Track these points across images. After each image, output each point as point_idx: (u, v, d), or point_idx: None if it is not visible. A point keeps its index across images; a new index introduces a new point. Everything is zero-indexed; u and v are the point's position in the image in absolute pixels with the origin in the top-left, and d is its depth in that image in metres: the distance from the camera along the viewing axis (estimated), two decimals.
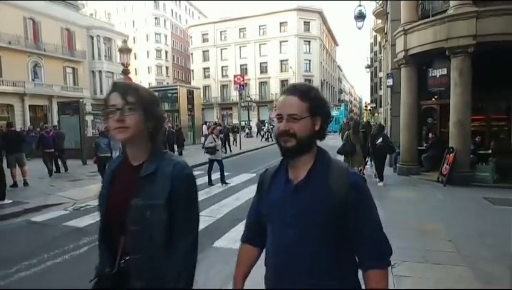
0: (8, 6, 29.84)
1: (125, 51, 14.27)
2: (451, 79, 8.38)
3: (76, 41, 37.04)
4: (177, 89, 22.61)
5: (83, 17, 39.62)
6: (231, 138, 21.47)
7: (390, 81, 11.48)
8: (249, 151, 19.59)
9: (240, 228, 5.50)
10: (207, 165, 14.15)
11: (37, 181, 10.08)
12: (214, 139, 9.42)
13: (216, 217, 6.31)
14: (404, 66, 9.85)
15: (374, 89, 59.81)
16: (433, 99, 10.91)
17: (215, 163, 9.67)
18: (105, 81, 39.87)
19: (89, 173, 11.40)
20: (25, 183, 9.51)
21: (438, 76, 9.41)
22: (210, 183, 9.55)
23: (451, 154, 8.37)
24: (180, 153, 17.11)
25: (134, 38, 65.32)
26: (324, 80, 57.87)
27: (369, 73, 65.46)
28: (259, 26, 54.40)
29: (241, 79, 19.61)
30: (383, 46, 20.69)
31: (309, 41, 53.07)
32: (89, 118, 37.98)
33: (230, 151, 18.43)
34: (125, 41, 14.54)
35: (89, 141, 12.77)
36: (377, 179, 8.98)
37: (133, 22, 65.66)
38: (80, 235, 5.37)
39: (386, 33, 16.41)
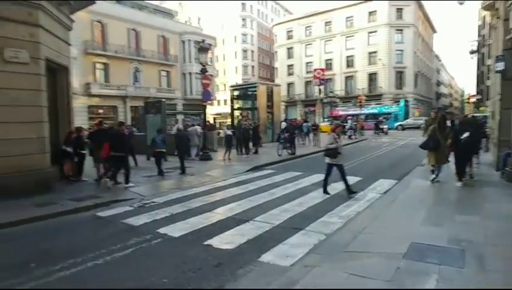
0: (116, 20, 33.76)
1: (203, 50, 14.52)
2: None
3: (170, 46, 40.10)
4: (256, 86, 22.49)
5: (176, 24, 42.63)
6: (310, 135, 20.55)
7: (500, 65, 9.29)
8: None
9: (294, 240, 4.80)
10: (280, 164, 13.98)
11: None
12: (335, 139, 7.68)
13: (273, 223, 5.66)
14: None
15: (481, 78, 52.09)
16: None
17: (334, 168, 7.81)
18: (195, 82, 42.29)
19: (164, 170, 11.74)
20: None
21: None
22: (326, 191, 7.82)
23: None
24: (256, 151, 16.84)
25: (223, 40, 68.46)
26: (419, 72, 52.43)
27: (475, 61, 57.15)
28: (346, 18, 51.77)
29: (322, 73, 18.53)
30: (493, 26, 17.40)
31: (401, 30, 48.51)
32: (179, 117, 41.32)
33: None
34: (203, 41, 14.80)
35: (169, 138, 13.16)
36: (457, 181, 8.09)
37: (222, 25, 68.60)
38: (131, 235, 5.28)
39: (497, 9, 13.62)
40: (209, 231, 5.36)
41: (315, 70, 19.20)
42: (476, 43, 49.98)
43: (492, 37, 21.05)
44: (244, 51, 67.16)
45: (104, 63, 33.94)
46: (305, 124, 22.02)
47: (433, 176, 8.58)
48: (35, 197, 7.72)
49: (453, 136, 8.20)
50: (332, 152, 7.62)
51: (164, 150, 11.00)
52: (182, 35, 41.13)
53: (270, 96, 23.21)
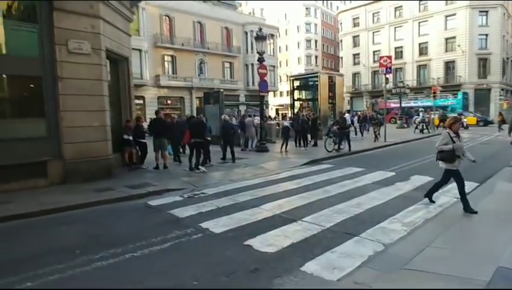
0: (182, 14, 34.97)
1: (260, 39, 14.14)
2: None
3: (233, 38, 40.51)
4: (317, 76, 21.51)
5: (239, 15, 42.89)
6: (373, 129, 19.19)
7: None
8: (395, 145, 16.92)
9: (345, 248, 4.21)
10: (339, 159, 13.02)
11: (175, 165, 10.88)
12: (452, 138, 5.75)
13: (323, 226, 5.09)
14: None
15: None
16: None
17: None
18: (257, 73, 42.28)
19: (219, 161, 11.66)
20: (165, 167, 10.35)
21: None
22: (430, 199, 6.46)
23: None
24: (314, 144, 16.10)
25: (286, 30, 67.63)
26: (508, 58, 46.19)
27: None
28: (420, 2, 47.36)
29: (388, 61, 16.99)
30: None
31: (486, 11, 42.98)
32: (242, 108, 41.75)
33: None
34: (260, 30, 14.38)
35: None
36: None
37: (285, 14, 67.68)
38: (173, 228, 5.13)
39: None
40: (252, 229, 4.97)
41: (381, 57, 17.57)
42: None
43: None
44: (308, 40, 65.57)
45: (172, 56, 35.39)
46: (347, 115, 20.17)
47: None
48: (97, 182, 8.10)
49: None
50: (446, 155, 5.81)
51: (209, 139, 10.98)
52: (245, 26, 41.22)
53: (332, 86, 22.05)
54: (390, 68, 17.16)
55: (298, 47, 66.35)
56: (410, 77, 47.88)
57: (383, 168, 10.18)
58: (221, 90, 17.34)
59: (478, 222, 5.10)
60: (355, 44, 55.71)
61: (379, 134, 17.88)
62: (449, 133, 5.83)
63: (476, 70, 43.21)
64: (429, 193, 6.45)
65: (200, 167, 9.99)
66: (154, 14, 32.92)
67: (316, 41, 66.66)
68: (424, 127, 23.26)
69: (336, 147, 13.98)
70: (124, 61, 10.03)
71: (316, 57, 66.94)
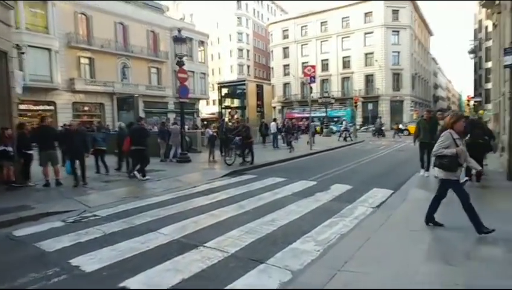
0: (101, 13, 32.26)
1: (178, 41, 13.18)
2: None
3: (160, 42, 38.64)
4: (245, 84, 21.14)
5: (166, 19, 41.14)
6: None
7: (509, 60, 8.00)
8: (320, 153, 17.06)
9: (245, 281, 3.45)
10: (264, 168, 12.30)
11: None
12: (455, 141, 4.66)
13: (227, 252, 4.31)
14: None
15: (479, 82, 51.15)
16: None
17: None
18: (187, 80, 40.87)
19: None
20: (58, 183, 8.76)
21: None
22: (430, 222, 5.07)
23: None
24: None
25: (218, 38, 67.13)
26: (416, 74, 51.27)
27: (472, 65, 56.21)
28: (342, 19, 50.58)
29: (312, 70, 17.20)
30: (494, 23, 16.19)
31: (398, 31, 47.39)
32: (171, 116, 39.85)
33: (290, 151, 16.20)
34: (179, 31, 13.41)
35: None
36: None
37: (217, 23, 67.26)
38: (32, 267, 3.94)
39: (497, 4, 12.46)
40: (136, 264, 3.97)
41: (305, 67, 17.75)
42: (476, 42, 49.00)
43: (492, 37, 19.83)
44: (240, 49, 65.83)
45: (89, 58, 32.32)
46: (273, 123, 20.31)
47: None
48: None
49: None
50: (448, 161, 4.62)
51: (104, 148, 10.80)
52: (173, 30, 39.47)
53: (260, 95, 21.89)
54: (314, 77, 17.37)
55: (231, 55, 66.25)
56: (335, 88, 50.56)
57: (306, 177, 9.85)
58: (136, 95, 15.96)
59: (393, 235, 4.74)
60: (285, 55, 57.33)
61: (294, 142, 17.77)
62: (451, 134, 4.68)
63: (391, 83, 47.12)
64: (429, 217, 5.07)
65: (136, 173, 9.67)
66: (68, 11, 29.78)
67: (248, 50, 67.24)
68: (347, 135, 24.18)
69: (240, 159, 12.53)
70: (2, 56, 8.27)
71: (248, 66, 67.46)
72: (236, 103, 23.35)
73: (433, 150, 4.82)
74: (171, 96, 39.92)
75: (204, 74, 42.88)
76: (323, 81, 51.93)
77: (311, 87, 17.87)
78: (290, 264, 3.89)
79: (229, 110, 22.63)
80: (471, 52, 49.02)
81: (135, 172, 9.75)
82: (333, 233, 5.02)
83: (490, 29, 28.90)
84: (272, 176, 10.12)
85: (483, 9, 41.12)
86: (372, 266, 3.71)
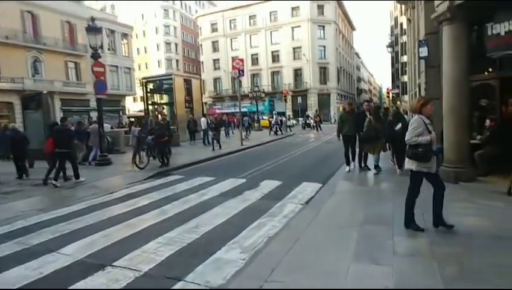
0: (4, 0, 28.15)
1: (92, 31, 11.85)
2: None
3: (78, 34, 35.15)
4: (172, 78, 20.05)
5: (84, 9, 37.57)
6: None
7: (424, 51, 8.51)
8: (251, 148, 16.88)
9: None
10: (192, 167, 11.70)
11: None
12: (427, 126, 4.24)
13: (140, 271, 3.71)
14: (448, 23, 6.85)
15: (396, 75, 55.81)
16: (486, 73, 7.91)
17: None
18: (109, 76, 37.92)
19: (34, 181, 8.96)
20: None
21: (503, 33, 6.40)
22: (411, 225, 4.48)
23: None
24: (169, 151, 14.56)
25: (144, 32, 63.75)
26: (341, 67, 54.24)
27: (391, 58, 61.23)
28: (270, 13, 51.30)
29: (240, 63, 16.88)
30: (409, 18, 17.50)
31: (323, 26, 49.50)
32: (94, 114, 36.66)
33: (220, 148, 15.81)
34: (92, 20, 12.07)
35: None
36: (396, 166, 8.56)
37: (142, 15, 63.82)
38: None
39: None
40: None
41: (233, 60, 17.38)
42: (393, 37, 53.25)
43: (407, 32, 21.53)
44: (168, 43, 63.36)
45: None
46: (203, 119, 19.99)
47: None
48: None
49: (387, 127, 8.44)
50: (423, 151, 4.15)
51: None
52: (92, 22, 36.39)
53: (189, 90, 20.99)
54: (242, 71, 17.08)
55: (158, 49, 63.40)
56: (265, 82, 51.20)
57: (235, 175, 9.49)
58: (45, 91, 14.08)
59: (321, 235, 4.56)
60: (215, 49, 56.46)
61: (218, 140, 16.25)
62: (423, 120, 4.23)
63: (318, 77, 49.12)
64: (408, 221, 4.50)
65: (54, 181, 8.64)
66: None
67: (176, 44, 64.96)
68: (278, 129, 24.48)
69: (156, 161, 11.47)
70: None
71: (177, 60, 65.25)
72: (164, 98, 22.11)
73: (406, 139, 4.29)
74: (93, 93, 36.62)
75: (129, 68, 40.25)
76: (253, 76, 52.30)
77: (240, 81, 17.54)
78: (211, 280, 3.45)
79: (156, 106, 21.34)
80: (389, 46, 53.17)
81: (53, 181, 8.64)
82: (261, 236, 4.69)
83: (405, 25, 31.43)
84: (200, 176, 9.58)
85: (399, 7, 44.92)
86: (301, 273, 3.44)
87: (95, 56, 11.82)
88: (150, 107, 21.61)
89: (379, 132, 8.33)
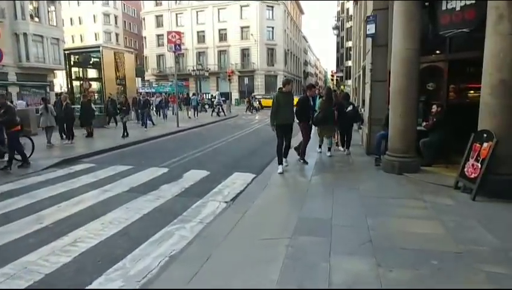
0: None
1: None
2: (492, 9, 4.59)
3: None
4: (99, 50, 17.57)
5: None
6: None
7: (371, 28, 7.65)
8: (186, 131, 15.38)
9: None
10: (111, 152, 9.60)
11: None
12: None
13: None
14: None
15: (340, 60, 56.69)
16: (433, 55, 7.30)
17: None
18: (33, 46, 33.35)
19: None
20: None
21: (458, 8, 5.66)
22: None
23: (486, 143, 4.74)
24: (89, 134, 12.65)
25: (78, 1, 57.64)
26: (288, 50, 53.69)
27: (336, 43, 62.05)
28: None
29: (177, 37, 15.09)
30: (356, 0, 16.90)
31: (272, 7, 48.18)
32: (13, 89, 32.14)
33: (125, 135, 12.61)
34: None
35: None
36: (342, 148, 8.91)
37: None
38: None
39: None
40: None
41: (168, 32, 15.53)
42: (337, 18, 53.73)
43: (353, 14, 21.10)
44: (106, 14, 57.95)
45: None
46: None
47: (319, 150, 8.73)
48: None
49: (337, 109, 8.21)
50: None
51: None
52: None
53: (120, 64, 18.68)
54: (179, 45, 15.32)
55: (95, 21, 57.75)
56: (212, 62, 49.06)
57: (158, 163, 8.08)
58: None
59: (239, 251, 3.43)
60: (159, 24, 52.60)
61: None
62: None
63: (266, 58, 48.07)
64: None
65: None
66: None
67: (115, 16, 59.68)
68: (220, 109, 23.12)
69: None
70: None
71: (117, 34, 60.15)
72: (92, 74, 19.50)
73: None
74: (12, 65, 32.12)
75: (57, 39, 35.67)
76: (199, 54, 49.80)
77: (176, 57, 15.76)
78: None
79: (82, 82, 18.74)
80: (334, 28, 53.49)
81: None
82: (160, 255, 3.45)
83: (351, 11, 31.33)
84: (116, 164, 8.04)
85: None
86: None
87: None
88: (76, 83, 18.97)
89: (331, 113, 7.98)
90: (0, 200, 5.33)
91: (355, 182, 5.93)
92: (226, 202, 5.20)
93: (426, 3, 6.56)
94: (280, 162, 6.77)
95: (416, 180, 5.93)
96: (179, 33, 15.74)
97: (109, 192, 5.73)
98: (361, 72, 12.36)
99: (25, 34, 32.96)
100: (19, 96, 30.88)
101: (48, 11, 35.72)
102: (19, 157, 7.79)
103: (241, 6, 47.75)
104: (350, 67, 31.75)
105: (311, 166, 7.31)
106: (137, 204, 5.08)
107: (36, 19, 33.96)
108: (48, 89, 36.11)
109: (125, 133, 12.46)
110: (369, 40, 8.20)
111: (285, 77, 50.20)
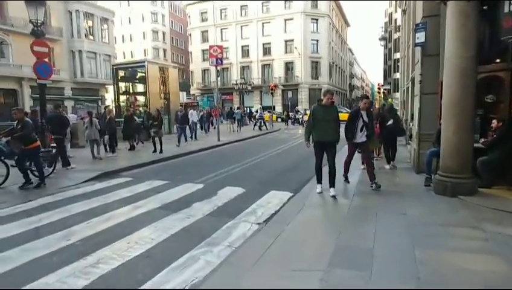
0: None
1: (32, 1, 10.06)
2: None
3: (51, 17, 32.90)
4: (145, 65, 18.30)
5: None
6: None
7: (420, 36, 7.03)
8: (226, 145, 15.33)
9: None
10: (151, 166, 9.45)
11: None
12: None
13: None
14: None
15: (388, 72, 54.65)
16: (493, 64, 6.51)
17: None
18: (87, 62, 35.87)
19: None
20: None
21: None
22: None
23: None
24: (131, 148, 13.01)
25: (129, 19, 61.40)
26: (333, 63, 52.72)
27: (383, 55, 60.13)
28: (262, 3, 49.30)
29: (219, 51, 15.24)
30: (404, 9, 16.07)
31: (317, 20, 47.78)
32: (69, 103, 34.62)
33: (156, 151, 12.24)
34: None
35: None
36: (387, 166, 8.33)
37: (128, 1, 61.31)
38: None
39: None
40: None
41: (210, 47, 15.72)
42: (385, 29, 52.03)
43: (401, 24, 20.12)
44: (155, 31, 61.01)
45: None
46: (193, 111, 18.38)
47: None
48: None
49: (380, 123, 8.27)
50: None
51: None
52: (68, 4, 34.22)
53: (164, 79, 19.30)
54: (221, 59, 15.45)
55: (144, 38, 61.02)
56: (255, 76, 49.53)
57: (194, 178, 7.97)
58: None
59: (269, 282, 3.07)
60: (204, 39, 54.36)
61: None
62: None
63: (310, 71, 47.57)
64: None
65: None
66: None
67: (164, 33, 62.63)
68: (262, 124, 22.97)
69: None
70: None
71: (165, 50, 62.99)
72: (138, 88, 20.38)
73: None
74: (68, 81, 34.69)
75: (109, 56, 38.06)
76: (243, 68, 50.55)
77: (218, 71, 15.91)
78: None
79: (128, 96, 19.61)
80: (381, 39, 51.80)
81: None
82: (180, 283, 3.18)
83: (399, 21, 30.10)
84: (153, 178, 8.04)
85: (393, 3, 43.45)
86: None
87: (37, 33, 10.07)
88: (123, 97, 19.89)
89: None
90: (36, 214, 5.43)
91: (402, 205, 5.32)
92: (258, 223, 4.86)
93: (484, 7, 5.87)
94: (319, 181, 6.23)
95: (473, 204, 5.19)
96: (220, 47, 15.91)
97: (141, 208, 5.64)
98: (409, 84, 11.56)
99: (80, 51, 35.50)
100: (73, 110, 33.20)
101: (101, 29, 38.33)
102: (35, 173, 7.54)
103: (285, 20, 47.93)
104: (398, 79, 30.37)
105: (354, 184, 6.77)
106: (167, 223, 4.90)
107: (90, 37, 36.54)
108: (99, 103, 38.47)
109: (156, 149, 11.93)
110: (418, 50, 7.55)
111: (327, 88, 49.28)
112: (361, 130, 6.45)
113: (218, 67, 15.90)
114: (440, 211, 5.00)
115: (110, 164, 10.07)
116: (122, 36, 61.84)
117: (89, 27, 36.19)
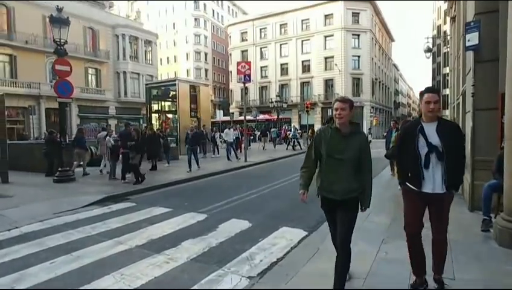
0: (25, 5, 28.07)
1: (57, 21, 10.03)
2: None
3: (100, 40, 34.77)
4: (176, 84, 18.09)
5: (108, 16, 37.36)
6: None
7: (472, 38, 5.63)
8: (250, 166, 14.31)
9: None
10: (161, 190, 8.55)
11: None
12: None
13: None
14: None
15: (436, 88, 51.05)
16: None
17: None
18: (130, 83, 37.25)
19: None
20: None
21: None
22: None
23: None
24: (153, 167, 12.43)
25: (174, 41, 63.81)
26: (376, 79, 50.38)
27: (431, 71, 56.67)
28: (302, 21, 48.82)
29: (247, 67, 14.52)
30: (452, 16, 14.42)
31: (358, 35, 46.18)
32: (112, 122, 35.86)
33: (198, 166, 12.57)
34: (60, 10, 10.26)
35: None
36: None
37: (174, 24, 63.94)
38: None
39: None
40: None
41: (238, 63, 15.06)
42: (431, 40, 48.99)
43: (451, 33, 18.24)
44: (197, 52, 62.68)
45: (10, 55, 28.13)
46: (228, 130, 17.24)
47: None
48: None
49: None
50: None
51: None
52: (115, 28, 36.00)
53: (194, 97, 18.96)
54: (249, 76, 14.70)
55: (187, 59, 62.89)
56: (294, 93, 48.65)
57: (200, 206, 7.03)
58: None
59: None
60: (244, 58, 54.58)
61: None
62: None
63: (351, 88, 45.74)
64: None
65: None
66: None
67: (205, 54, 64.20)
68: (296, 143, 21.77)
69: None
70: None
71: (206, 70, 64.37)
72: (171, 107, 20.26)
73: None
74: (113, 100, 36.13)
75: (151, 76, 39.22)
76: (282, 86, 49.96)
77: (246, 88, 15.14)
78: None
79: (159, 114, 19.50)
80: (426, 50, 48.71)
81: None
82: None
83: (448, 32, 27.86)
84: (157, 205, 7.22)
85: (442, 15, 40.80)
86: None
87: (60, 52, 10.00)
88: (154, 115, 19.82)
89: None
90: (7, 246, 4.75)
91: (449, 262, 3.84)
92: (250, 277, 3.74)
93: None
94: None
95: None
96: (248, 63, 15.20)
97: (121, 245, 4.75)
98: (460, 100, 9.92)
99: (124, 72, 36.93)
100: (116, 128, 34.28)
101: (145, 51, 39.80)
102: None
103: (325, 37, 46.91)
104: (447, 95, 27.86)
105: (385, 224, 5.41)
106: (139, 268, 3.94)
107: (134, 58, 38.05)
108: (141, 122, 39.65)
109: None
110: (469, 57, 6.14)
111: (372, 107, 46.84)
112: (427, 164, 3.09)
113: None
114: (508, 276, 3.55)
115: (121, 186, 9.43)
116: (167, 58, 64.25)
117: (134, 50, 37.70)
